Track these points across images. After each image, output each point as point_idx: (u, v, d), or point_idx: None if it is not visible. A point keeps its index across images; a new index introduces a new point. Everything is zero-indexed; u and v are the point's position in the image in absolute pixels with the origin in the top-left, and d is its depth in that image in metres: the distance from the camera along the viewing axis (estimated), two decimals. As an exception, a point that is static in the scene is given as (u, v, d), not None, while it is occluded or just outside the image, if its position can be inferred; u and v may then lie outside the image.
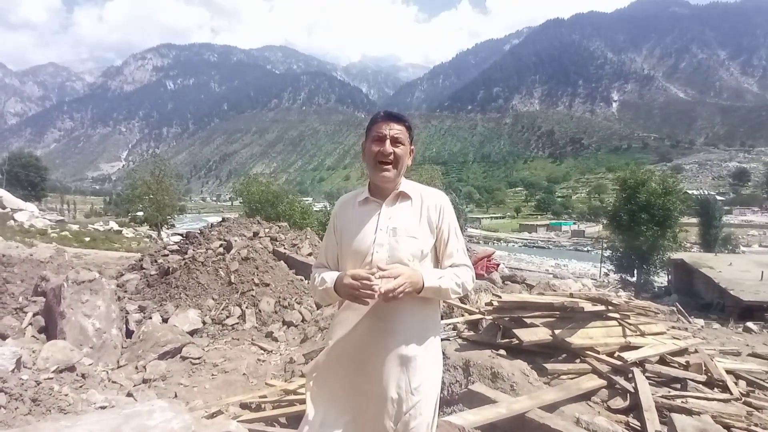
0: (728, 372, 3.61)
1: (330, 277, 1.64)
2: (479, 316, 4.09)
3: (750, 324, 8.83)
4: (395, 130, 1.64)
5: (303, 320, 6.21)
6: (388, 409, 1.59)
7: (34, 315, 5.06)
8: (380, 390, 1.60)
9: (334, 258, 1.77)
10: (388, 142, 1.63)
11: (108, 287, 5.27)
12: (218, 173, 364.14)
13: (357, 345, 1.63)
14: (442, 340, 2.09)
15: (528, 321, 3.59)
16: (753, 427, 2.81)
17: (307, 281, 7.38)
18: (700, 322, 9.16)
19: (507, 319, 3.69)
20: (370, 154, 1.66)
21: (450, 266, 1.69)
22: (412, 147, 1.74)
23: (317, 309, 6.47)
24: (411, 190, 1.72)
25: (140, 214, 33.16)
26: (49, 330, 4.80)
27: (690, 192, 34.07)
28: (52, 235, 19.40)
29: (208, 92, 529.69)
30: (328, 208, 29.27)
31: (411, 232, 1.64)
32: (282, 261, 7.72)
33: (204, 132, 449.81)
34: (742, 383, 3.59)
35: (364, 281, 1.48)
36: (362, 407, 1.62)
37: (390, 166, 1.64)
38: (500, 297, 4.02)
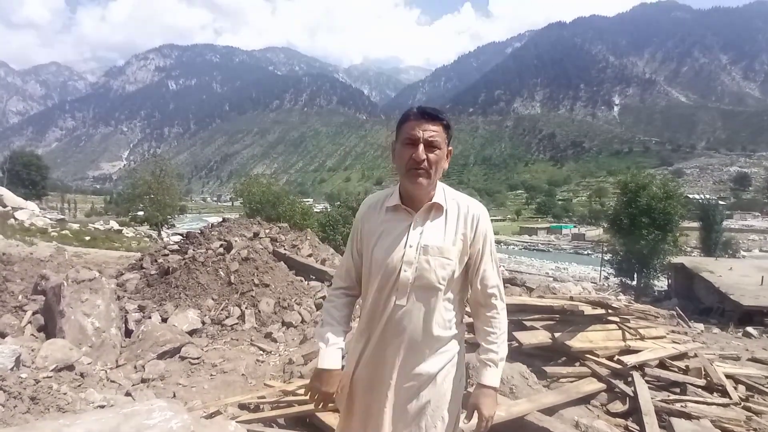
0: (728, 376, 3.60)
1: (329, 347, 1.57)
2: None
3: (750, 329, 8.83)
4: (430, 131, 1.43)
5: (302, 321, 6.20)
6: (405, 421, 1.52)
7: (34, 313, 5.06)
8: (403, 408, 1.52)
9: (352, 274, 1.65)
10: (421, 146, 1.43)
11: (108, 286, 5.27)
12: (219, 173, 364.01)
13: (379, 363, 1.54)
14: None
15: (528, 324, 3.59)
16: (752, 432, 2.80)
17: (307, 282, 7.38)
18: (700, 326, 9.14)
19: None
20: (401, 159, 1.47)
21: (484, 294, 1.57)
22: (450, 148, 1.53)
23: (317, 310, 6.46)
24: (446, 201, 1.54)
25: (141, 213, 33.20)
26: (49, 329, 4.80)
27: (691, 196, 34.08)
28: (53, 233, 19.41)
29: (209, 93, 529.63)
30: (329, 210, 29.26)
31: (443, 252, 1.48)
32: (282, 262, 7.72)
33: (205, 132, 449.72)
34: (742, 388, 3.58)
35: (319, 401, 1.57)
36: (380, 417, 1.54)
37: (423, 173, 1.45)
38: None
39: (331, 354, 1.54)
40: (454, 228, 1.52)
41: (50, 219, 25.54)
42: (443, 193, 1.56)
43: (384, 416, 1.52)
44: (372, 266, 1.54)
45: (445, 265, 1.48)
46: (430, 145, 1.44)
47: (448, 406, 1.54)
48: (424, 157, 1.43)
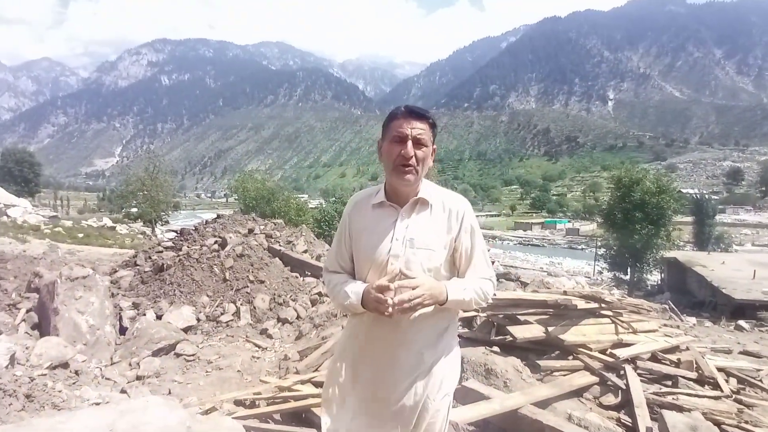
0: (719, 369, 3.64)
1: (355, 290, 1.51)
2: (473, 313, 4.11)
3: (741, 322, 8.91)
4: (418, 129, 1.47)
5: (298, 317, 6.21)
6: (402, 416, 1.53)
7: (28, 311, 5.04)
8: (395, 396, 1.53)
9: (348, 262, 1.64)
10: (410, 143, 1.46)
11: (102, 284, 5.25)
12: (213, 170, 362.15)
13: (372, 353, 1.56)
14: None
15: (522, 318, 3.61)
16: (743, 424, 2.84)
17: (302, 278, 7.38)
18: (692, 320, 9.23)
19: (501, 316, 3.71)
20: (389, 156, 1.49)
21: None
22: (434, 146, 1.57)
23: (312, 306, 6.47)
24: (431, 196, 1.56)
25: (134, 210, 33.01)
26: (43, 326, 4.79)
27: (684, 191, 34.32)
28: (46, 231, 19.29)
29: (203, 88, 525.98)
30: (324, 206, 29.23)
31: (428, 245, 1.51)
32: (277, 258, 7.71)
33: (199, 128, 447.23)
34: (733, 381, 3.62)
35: (388, 293, 1.39)
36: (376, 414, 1.56)
37: (411, 170, 1.47)
38: (495, 294, 4.04)
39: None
40: (439, 222, 1.55)
41: (43, 216, 25.41)
42: (428, 189, 1.59)
43: (378, 404, 1.54)
44: (361, 261, 1.58)
45: (431, 257, 1.51)
46: (418, 143, 1.47)
47: (442, 399, 1.57)
48: (413, 153, 1.46)
